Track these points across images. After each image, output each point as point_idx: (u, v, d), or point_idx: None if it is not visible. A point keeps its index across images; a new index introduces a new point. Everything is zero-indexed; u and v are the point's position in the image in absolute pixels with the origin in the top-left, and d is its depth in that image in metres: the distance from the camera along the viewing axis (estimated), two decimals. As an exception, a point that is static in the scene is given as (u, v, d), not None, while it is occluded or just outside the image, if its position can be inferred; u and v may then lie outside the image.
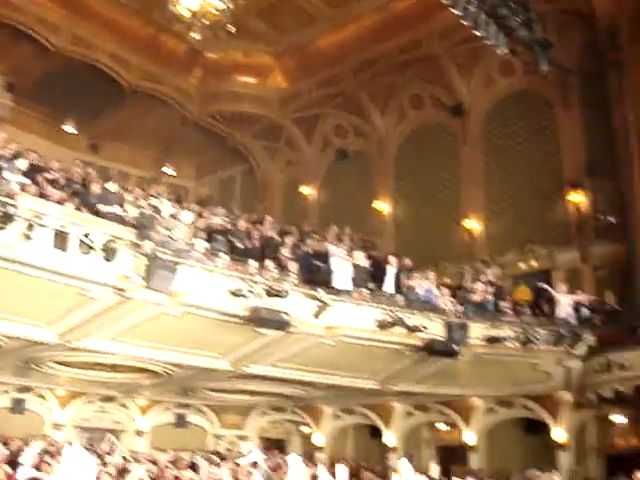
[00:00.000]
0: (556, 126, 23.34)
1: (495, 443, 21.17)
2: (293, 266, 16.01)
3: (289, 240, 18.00)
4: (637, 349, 17.38)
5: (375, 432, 23.15)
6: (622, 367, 17.37)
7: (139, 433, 22.87)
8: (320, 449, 23.47)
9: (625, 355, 17.39)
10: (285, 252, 16.96)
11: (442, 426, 22.56)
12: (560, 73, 22.02)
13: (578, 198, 22.07)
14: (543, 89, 23.61)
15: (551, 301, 18.72)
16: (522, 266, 22.55)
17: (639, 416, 18.70)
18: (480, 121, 25.20)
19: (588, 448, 19.84)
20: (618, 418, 19.39)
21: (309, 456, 20.67)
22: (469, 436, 21.26)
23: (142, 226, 13.29)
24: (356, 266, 16.41)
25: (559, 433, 19.72)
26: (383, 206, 26.69)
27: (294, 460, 7.26)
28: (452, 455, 21.44)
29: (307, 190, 29.44)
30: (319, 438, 24.17)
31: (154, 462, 14.92)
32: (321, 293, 14.96)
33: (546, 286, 19.37)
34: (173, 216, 15.45)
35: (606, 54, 21.54)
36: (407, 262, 18.74)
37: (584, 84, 22.66)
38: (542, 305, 19.00)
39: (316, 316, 14.94)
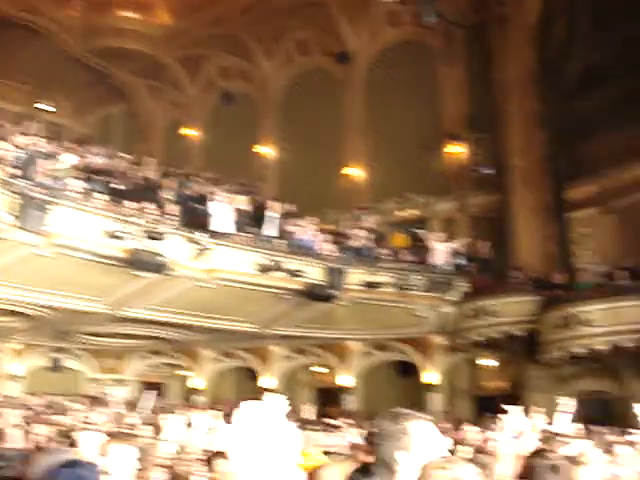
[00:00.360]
0: (439, 78, 23.72)
1: (371, 385, 21.77)
2: (173, 209, 15.75)
3: (170, 182, 17.68)
4: (507, 297, 18.18)
5: (254, 375, 23.37)
6: (493, 313, 18.13)
7: (13, 378, 22.26)
8: (200, 392, 23.55)
9: (496, 302, 18.16)
10: (166, 194, 16.65)
11: (320, 369, 23.00)
12: (446, 26, 22.32)
13: (457, 150, 22.64)
14: (429, 41, 23.89)
15: (428, 249, 19.23)
16: (401, 214, 23.05)
17: (507, 360, 19.63)
18: (365, 69, 25.31)
19: (458, 390, 20.72)
20: (487, 362, 20.30)
21: (188, 399, 20.70)
22: (346, 378, 21.78)
23: (15, 164, 12.76)
24: (238, 210, 16.32)
25: (431, 376, 20.48)
26: (267, 151, 26.57)
27: (170, 420, 7.27)
28: (329, 397, 21.89)
29: (190, 132, 28.90)
30: (199, 381, 24.21)
31: (28, 407, 14.56)
32: (201, 236, 14.85)
33: (423, 233, 19.86)
34: (49, 154, 14.87)
35: (491, 9, 21.93)
36: (289, 207, 18.78)
37: (469, 38, 23.05)
38: (419, 252, 19.48)
39: (195, 259, 14.84)
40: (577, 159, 20.57)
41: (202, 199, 16.39)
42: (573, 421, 9.13)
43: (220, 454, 5.38)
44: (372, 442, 2.81)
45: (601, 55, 19.76)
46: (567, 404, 7.49)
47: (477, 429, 10.78)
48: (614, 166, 19.21)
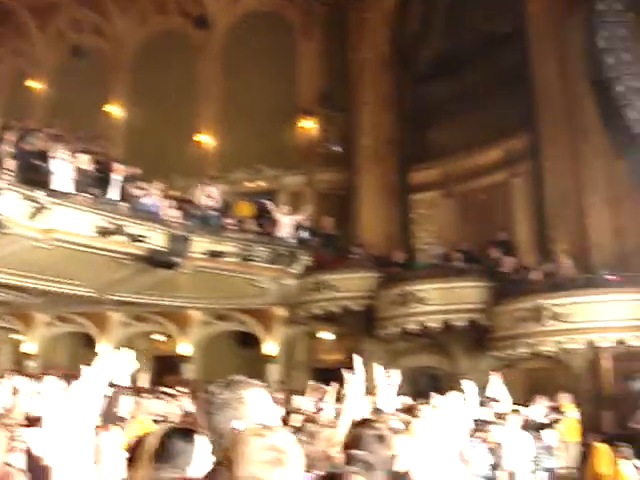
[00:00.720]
0: (297, 52, 23.76)
1: (210, 355, 21.73)
2: (11, 163, 14.91)
3: (9, 136, 16.70)
4: (348, 272, 18.59)
5: (91, 341, 22.74)
6: (333, 288, 18.49)
7: None
8: (32, 357, 22.66)
9: (336, 277, 18.53)
10: (3, 148, 15.73)
11: (159, 337, 22.72)
12: (306, 0, 22.35)
13: (309, 125, 22.81)
14: (289, 13, 23.87)
15: (273, 221, 19.31)
16: (250, 185, 23.00)
17: (344, 333, 20.10)
18: (223, 36, 24.91)
19: (297, 362, 21.04)
20: (325, 335, 20.74)
21: (20, 364, 19.87)
22: (185, 347, 21.63)
23: None
24: (80, 169, 15.66)
25: (271, 347, 20.67)
26: (116, 110, 25.69)
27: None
28: (168, 365, 21.67)
29: (36, 84, 27.39)
30: (31, 346, 23.26)
31: None
32: (39, 194, 14.17)
33: (269, 204, 19.91)
34: None
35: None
36: (135, 170, 18.26)
37: (328, 15, 23.21)
38: (264, 224, 19.54)
39: (32, 218, 14.14)
40: (423, 143, 21.28)
41: (43, 155, 15.61)
42: (401, 394, 9.46)
43: (39, 419, 5.21)
44: (207, 410, 2.74)
45: (452, 45, 20.44)
46: (393, 376, 7.75)
47: (310, 399, 11.02)
48: (456, 153, 20.02)
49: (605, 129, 14.91)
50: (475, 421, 8.63)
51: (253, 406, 2.67)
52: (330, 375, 12.23)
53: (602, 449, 11.05)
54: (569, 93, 16.96)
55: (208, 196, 19.05)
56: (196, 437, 3.17)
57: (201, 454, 3.13)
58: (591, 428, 14.03)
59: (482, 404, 9.61)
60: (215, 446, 2.68)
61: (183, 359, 21.64)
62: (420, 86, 21.38)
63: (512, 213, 19.15)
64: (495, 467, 8.30)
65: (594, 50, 14.22)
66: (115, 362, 3.55)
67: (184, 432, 3.27)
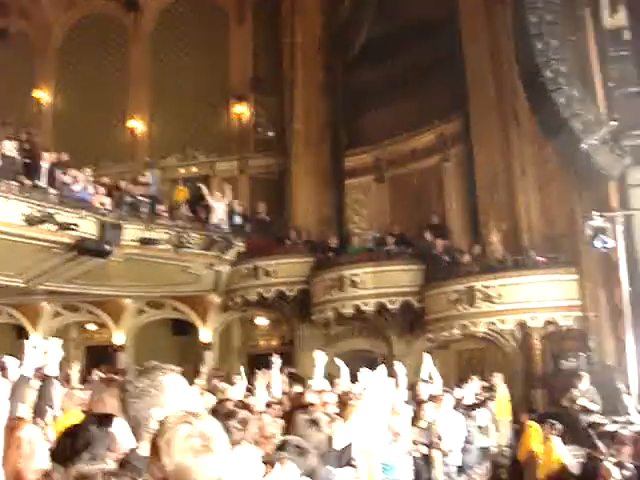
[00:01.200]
0: (230, 36, 23.47)
1: (145, 343, 21.48)
2: None
3: None
4: (282, 257, 18.60)
5: (22, 332, 22.23)
6: (268, 273, 18.48)
7: None
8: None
9: (271, 262, 18.52)
10: None
11: (92, 326, 22.36)
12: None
13: (241, 110, 22.63)
14: (221, -2, 23.62)
15: (207, 207, 19.14)
16: (182, 171, 22.68)
17: (280, 319, 20.12)
18: (154, 19, 24.36)
19: (232, 348, 20.97)
20: (261, 320, 20.73)
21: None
22: (118, 336, 21.34)
23: None
24: (4, 156, 15.19)
25: (206, 333, 20.55)
26: (44, 96, 24.98)
27: None
28: (101, 355, 21.35)
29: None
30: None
31: None
32: (-38, 182, 13.73)
33: (203, 187, 19.72)
34: None
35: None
36: (64, 157, 17.83)
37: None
38: (198, 210, 19.35)
39: (-45, 206, 13.71)
40: (357, 128, 21.32)
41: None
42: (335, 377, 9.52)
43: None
44: (123, 399, 2.68)
45: (385, 29, 20.45)
46: (319, 358, 7.85)
47: (243, 385, 10.97)
48: (389, 137, 20.15)
49: (534, 113, 15.11)
50: (408, 402, 8.71)
51: (172, 393, 2.61)
52: (266, 361, 12.25)
53: (534, 427, 11.29)
54: (500, 78, 17.18)
55: (140, 183, 18.78)
56: (114, 423, 3.11)
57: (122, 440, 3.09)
58: (523, 407, 14.35)
59: (415, 385, 9.72)
60: (133, 434, 2.62)
61: (117, 348, 21.35)
62: (353, 71, 21.36)
63: (444, 197, 19.36)
64: (429, 447, 8.40)
65: (523, 35, 14.36)
66: (41, 353, 3.45)
67: (100, 419, 3.23)
